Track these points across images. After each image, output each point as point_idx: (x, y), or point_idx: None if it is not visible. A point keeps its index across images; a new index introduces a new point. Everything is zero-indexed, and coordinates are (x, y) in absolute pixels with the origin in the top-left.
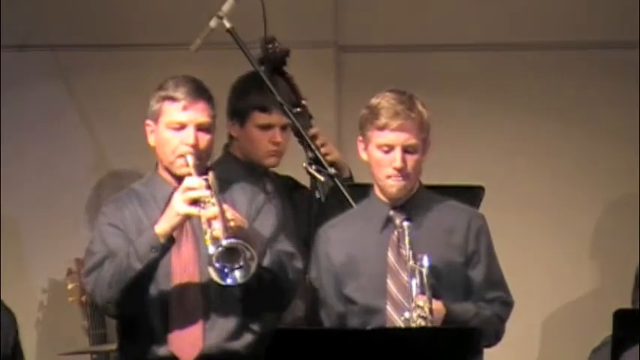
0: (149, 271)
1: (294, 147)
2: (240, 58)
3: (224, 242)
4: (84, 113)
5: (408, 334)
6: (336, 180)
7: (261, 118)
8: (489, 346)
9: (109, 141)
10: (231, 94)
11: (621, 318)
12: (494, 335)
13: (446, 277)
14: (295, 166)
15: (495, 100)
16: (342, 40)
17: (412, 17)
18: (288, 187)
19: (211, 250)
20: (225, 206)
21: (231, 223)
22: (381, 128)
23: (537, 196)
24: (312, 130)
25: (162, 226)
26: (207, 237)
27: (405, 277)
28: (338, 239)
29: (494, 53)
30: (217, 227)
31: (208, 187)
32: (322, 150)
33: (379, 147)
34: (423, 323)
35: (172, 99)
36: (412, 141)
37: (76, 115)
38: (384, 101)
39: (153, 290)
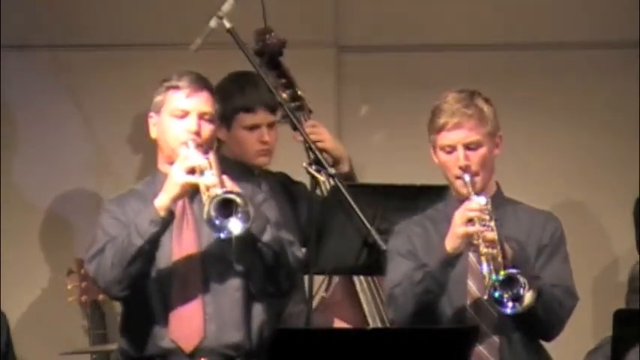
0: (150, 249)
1: (294, 147)
2: (240, 58)
3: (219, 191)
4: (84, 113)
5: (408, 334)
6: (336, 180)
7: (247, 118)
8: (549, 336)
9: (109, 141)
10: (216, 98)
11: (621, 318)
12: (557, 321)
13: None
14: (295, 166)
15: (495, 99)
16: (342, 40)
17: (412, 17)
18: (283, 184)
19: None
20: (224, 176)
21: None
22: (440, 130)
23: (534, 195)
24: (310, 123)
25: (162, 199)
26: (205, 199)
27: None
28: (419, 238)
29: (494, 53)
30: (216, 192)
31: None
32: (320, 144)
33: (442, 148)
34: (489, 255)
35: (176, 87)
36: (472, 137)
37: (76, 115)
38: (442, 102)
39: (153, 278)
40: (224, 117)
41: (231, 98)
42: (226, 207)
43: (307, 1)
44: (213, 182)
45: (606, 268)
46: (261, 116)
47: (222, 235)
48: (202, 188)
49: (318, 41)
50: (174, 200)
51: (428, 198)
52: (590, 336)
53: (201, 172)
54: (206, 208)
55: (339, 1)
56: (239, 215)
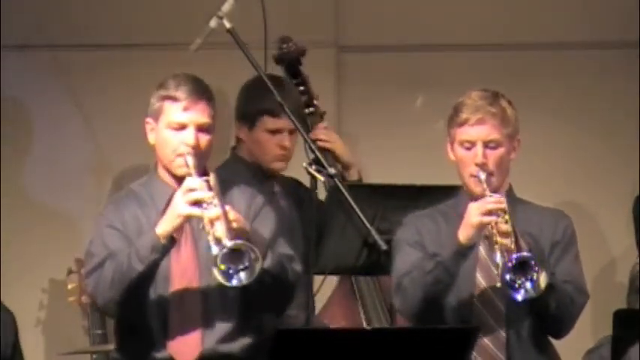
0: (150, 272)
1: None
2: (240, 58)
3: (228, 243)
4: (84, 113)
5: (408, 334)
6: (336, 180)
7: (271, 122)
8: (560, 333)
9: (109, 141)
10: (241, 96)
11: (621, 318)
12: (569, 317)
13: None
14: (295, 166)
15: None
16: (342, 40)
17: (412, 17)
18: (293, 188)
19: (215, 250)
20: (227, 207)
21: (234, 225)
22: (462, 124)
23: (534, 195)
24: (322, 125)
25: (163, 228)
26: (210, 238)
27: (494, 270)
28: (429, 232)
29: (495, 53)
30: (220, 228)
31: (209, 188)
32: (329, 145)
33: (461, 144)
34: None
35: (173, 99)
36: (493, 135)
37: (76, 115)
38: (467, 98)
39: (152, 294)
40: (248, 116)
41: (258, 100)
42: (235, 254)
43: (307, 1)
44: (216, 215)
45: (605, 267)
46: (285, 121)
47: (234, 284)
48: (206, 221)
49: (318, 41)
50: (176, 230)
51: (428, 198)
52: (589, 335)
53: (205, 204)
54: (215, 271)
55: (339, 1)
56: (247, 265)
